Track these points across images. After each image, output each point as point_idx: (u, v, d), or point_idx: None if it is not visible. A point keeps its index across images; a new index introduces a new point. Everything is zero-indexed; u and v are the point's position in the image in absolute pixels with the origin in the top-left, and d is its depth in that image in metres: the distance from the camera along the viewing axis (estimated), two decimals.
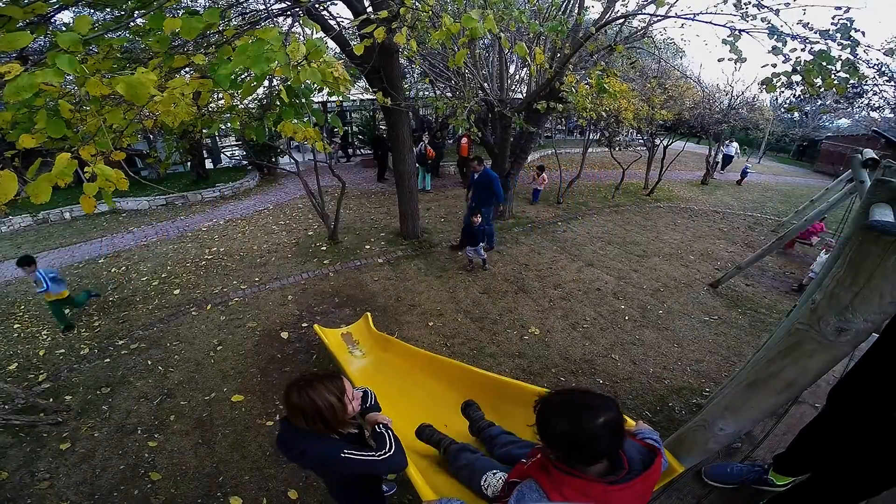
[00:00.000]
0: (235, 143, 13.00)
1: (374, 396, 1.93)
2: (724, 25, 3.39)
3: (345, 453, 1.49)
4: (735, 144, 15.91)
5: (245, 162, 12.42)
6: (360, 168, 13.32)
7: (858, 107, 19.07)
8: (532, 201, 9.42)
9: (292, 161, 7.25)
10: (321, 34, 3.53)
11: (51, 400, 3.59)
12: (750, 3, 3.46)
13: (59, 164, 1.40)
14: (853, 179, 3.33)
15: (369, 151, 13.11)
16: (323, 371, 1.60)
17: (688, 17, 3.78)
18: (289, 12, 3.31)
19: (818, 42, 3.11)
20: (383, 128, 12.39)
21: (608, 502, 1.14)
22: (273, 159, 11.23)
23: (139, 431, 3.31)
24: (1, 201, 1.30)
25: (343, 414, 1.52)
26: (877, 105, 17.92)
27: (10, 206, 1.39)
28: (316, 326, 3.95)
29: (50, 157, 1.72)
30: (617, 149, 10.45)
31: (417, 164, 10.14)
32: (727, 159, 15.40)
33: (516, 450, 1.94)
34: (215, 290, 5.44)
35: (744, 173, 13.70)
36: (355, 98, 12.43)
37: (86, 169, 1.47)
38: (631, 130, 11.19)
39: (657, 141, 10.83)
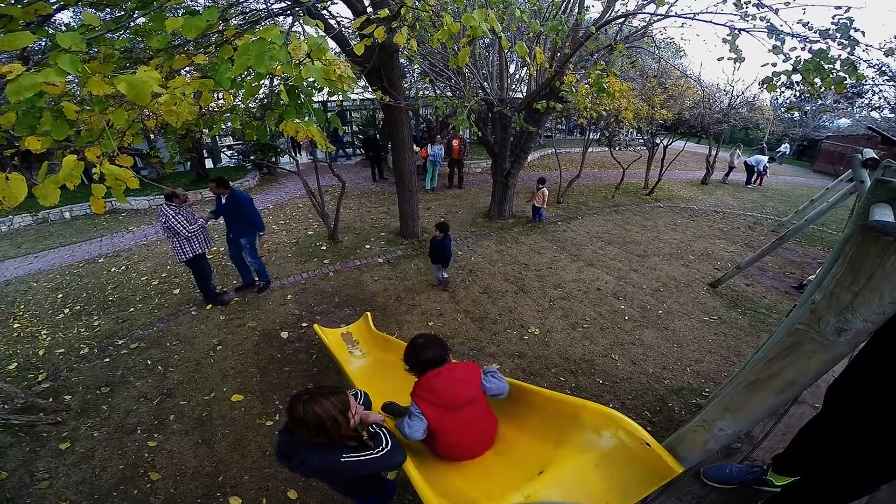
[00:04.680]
0: (235, 142, 13.00)
1: (364, 395, 1.96)
2: (724, 25, 3.40)
3: (344, 457, 1.53)
4: (764, 158, 13.07)
5: (243, 161, 12.43)
6: (360, 168, 13.34)
7: (859, 107, 19.09)
8: (531, 220, 8.22)
9: (292, 160, 7.25)
10: (322, 33, 3.53)
11: (50, 400, 3.59)
12: (750, 2, 3.46)
13: (66, 167, 1.40)
14: (853, 179, 3.33)
15: (360, 153, 13.20)
16: (327, 386, 1.62)
17: (688, 16, 3.79)
18: (289, 11, 3.31)
19: (818, 41, 3.12)
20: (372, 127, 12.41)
21: (431, 383, 1.86)
22: (273, 159, 11.25)
23: (139, 431, 3.31)
24: (11, 205, 1.29)
25: (346, 428, 1.55)
26: (877, 105, 17.94)
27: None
28: (316, 326, 3.96)
29: (51, 157, 1.72)
30: (617, 148, 10.44)
31: (431, 162, 10.21)
32: (753, 172, 12.97)
33: None
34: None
35: (758, 173, 13.07)
36: (355, 98, 12.45)
37: (94, 170, 1.47)
38: (631, 130, 11.18)
39: (657, 140, 10.82)
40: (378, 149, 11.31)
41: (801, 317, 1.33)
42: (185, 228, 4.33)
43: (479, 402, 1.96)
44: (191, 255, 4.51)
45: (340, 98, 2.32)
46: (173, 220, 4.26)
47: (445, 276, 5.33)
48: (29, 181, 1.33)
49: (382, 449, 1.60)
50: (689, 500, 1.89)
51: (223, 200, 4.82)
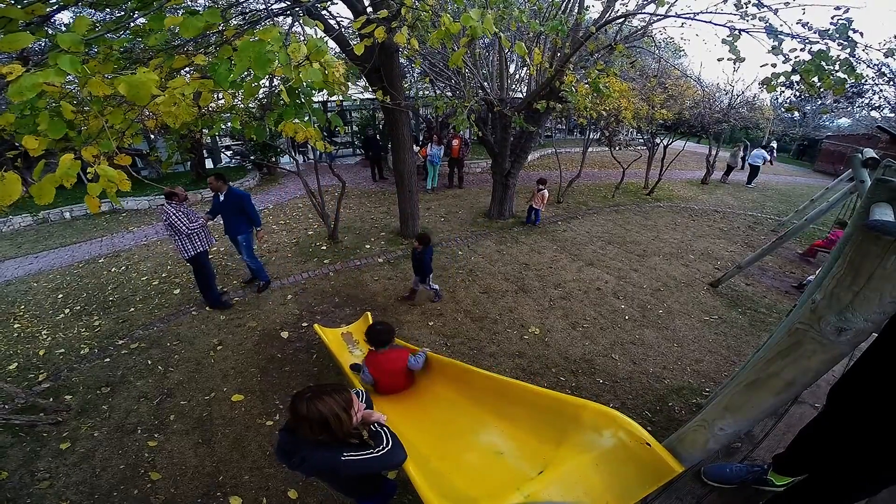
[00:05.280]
0: (235, 143, 12.99)
1: (365, 394, 1.97)
2: (723, 25, 3.39)
3: (345, 456, 1.52)
4: (762, 152, 12.82)
5: (243, 161, 12.44)
6: (360, 168, 13.33)
7: (859, 106, 19.12)
8: (532, 222, 7.94)
9: (292, 160, 7.25)
10: (322, 34, 3.53)
11: (51, 400, 3.59)
12: (749, 2, 3.45)
13: (63, 166, 1.41)
14: (853, 179, 3.33)
15: (360, 153, 13.19)
16: (330, 383, 1.62)
17: (687, 16, 3.78)
18: (289, 12, 3.31)
19: (817, 42, 3.11)
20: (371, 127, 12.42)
21: (376, 357, 2.82)
22: (273, 159, 11.24)
23: (139, 431, 3.31)
24: (6, 203, 1.30)
25: (348, 426, 1.55)
26: (877, 104, 17.97)
27: (12, 205, 1.39)
28: (316, 326, 3.97)
29: (51, 156, 1.73)
30: (617, 148, 10.43)
31: (430, 163, 10.21)
32: (757, 172, 12.86)
33: None
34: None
35: (765, 161, 12.85)
36: (355, 97, 12.45)
37: (89, 170, 1.48)
38: (631, 130, 11.16)
39: (657, 140, 10.82)
40: (378, 149, 11.31)
41: (801, 316, 1.33)
42: (185, 226, 4.35)
43: (403, 371, 2.87)
44: (192, 252, 4.53)
45: (340, 98, 2.33)
46: (174, 217, 4.29)
47: (436, 286, 5.09)
48: (27, 181, 1.33)
49: (383, 448, 1.59)
50: (689, 499, 1.89)
51: (221, 198, 4.83)
